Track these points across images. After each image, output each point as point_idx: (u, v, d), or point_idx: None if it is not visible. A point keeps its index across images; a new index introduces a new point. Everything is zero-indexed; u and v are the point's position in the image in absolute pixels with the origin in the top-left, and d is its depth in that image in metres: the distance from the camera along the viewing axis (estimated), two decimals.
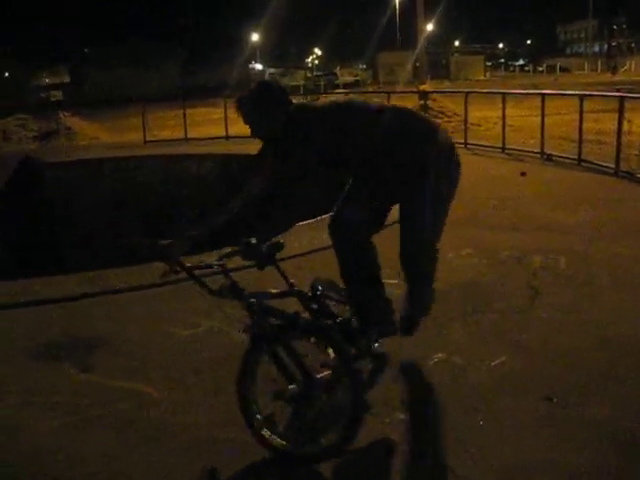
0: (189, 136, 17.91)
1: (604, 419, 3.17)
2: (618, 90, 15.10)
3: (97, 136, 20.82)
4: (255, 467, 2.91)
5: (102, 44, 61.38)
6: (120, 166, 15.43)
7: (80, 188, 14.95)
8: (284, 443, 2.93)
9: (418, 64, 33.30)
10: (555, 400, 3.34)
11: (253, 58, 75.70)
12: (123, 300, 5.11)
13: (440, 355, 3.88)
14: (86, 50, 64.56)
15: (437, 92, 20.11)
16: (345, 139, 3.40)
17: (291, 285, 3.24)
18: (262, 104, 3.32)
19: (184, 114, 18.05)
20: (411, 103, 20.22)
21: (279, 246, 3.10)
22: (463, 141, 13.00)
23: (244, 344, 4.11)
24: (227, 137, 17.35)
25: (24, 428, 3.32)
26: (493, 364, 3.77)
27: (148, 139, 18.08)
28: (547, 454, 2.92)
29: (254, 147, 14.14)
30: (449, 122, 15.43)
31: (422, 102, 17.43)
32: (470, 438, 3.06)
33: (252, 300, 3.02)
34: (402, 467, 2.90)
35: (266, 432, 2.93)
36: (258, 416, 2.95)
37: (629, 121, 9.95)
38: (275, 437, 2.93)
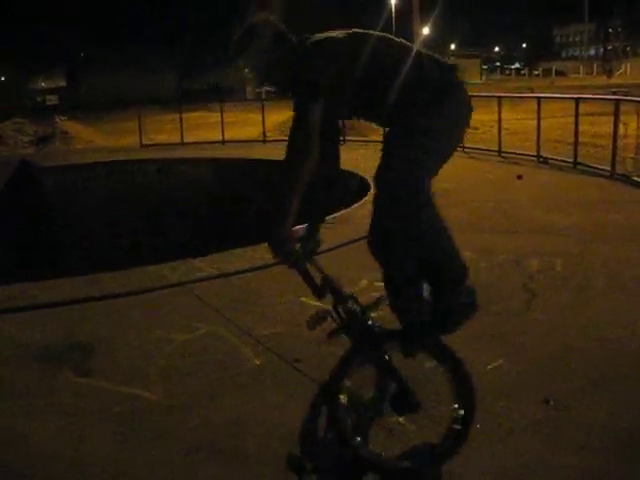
0: (185, 140, 17.93)
1: (602, 420, 3.18)
2: (614, 93, 15.17)
3: (93, 140, 20.87)
4: (255, 470, 2.92)
5: (100, 46, 61.36)
6: (117, 170, 15.43)
7: (77, 192, 14.95)
8: (377, 453, 2.78)
9: None
10: (552, 402, 3.36)
11: None
12: (121, 304, 5.11)
13: None
14: (82, 54, 64.53)
15: None
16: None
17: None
18: (258, 43, 2.82)
19: (180, 118, 18.06)
20: None
21: (315, 245, 2.97)
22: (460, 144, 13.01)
23: (241, 348, 4.16)
24: (223, 141, 17.38)
25: (24, 431, 3.32)
26: (490, 367, 3.78)
27: (144, 143, 18.09)
28: (545, 456, 2.93)
29: (250, 152, 14.16)
30: None
31: None
32: (468, 440, 3.07)
33: (351, 303, 2.73)
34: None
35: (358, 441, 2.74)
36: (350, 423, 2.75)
37: (625, 124, 10.01)
38: (366, 447, 2.76)
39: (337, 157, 3.05)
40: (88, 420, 3.39)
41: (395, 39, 2.98)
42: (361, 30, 2.96)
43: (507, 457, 2.93)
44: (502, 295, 4.95)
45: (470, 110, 3.01)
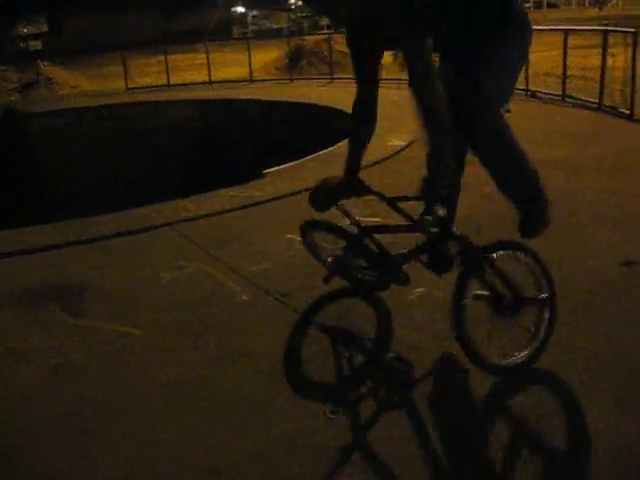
0: (172, 82, 17.71)
1: (581, 344, 3.27)
2: (605, 25, 14.96)
3: (78, 85, 20.62)
4: (243, 403, 2.99)
5: None
6: (103, 114, 15.27)
7: (64, 137, 14.83)
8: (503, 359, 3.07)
9: None
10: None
11: (235, 1, 74.20)
12: (109, 246, 5.15)
13: (421, 289, 3.96)
14: None
15: None
16: None
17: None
18: None
19: (166, 60, 17.80)
20: None
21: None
22: None
23: (228, 284, 4.21)
24: (210, 82, 17.19)
25: (13, 372, 3.39)
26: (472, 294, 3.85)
27: (130, 86, 17.87)
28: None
29: (237, 92, 13.93)
30: None
31: None
32: (449, 364, 3.16)
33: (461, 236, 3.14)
34: (379, 398, 3.00)
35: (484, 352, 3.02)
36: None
37: (613, 56, 9.93)
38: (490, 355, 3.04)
39: None
40: (75, 360, 3.44)
41: None
42: None
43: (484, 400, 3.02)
44: (488, 226, 4.99)
45: None
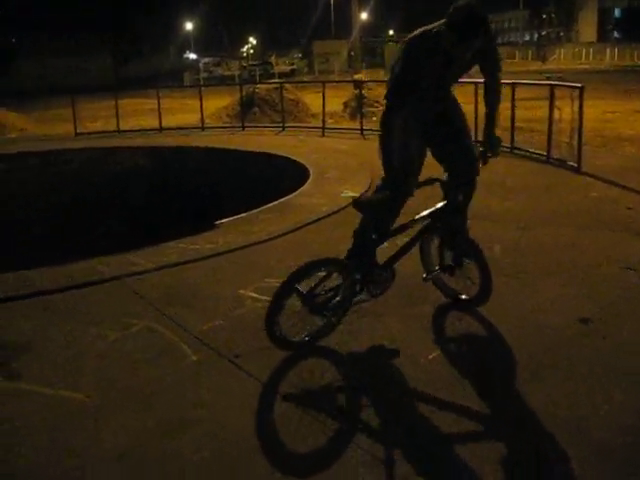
0: (122, 128, 17.50)
1: (540, 407, 3.20)
2: (548, 78, 15.40)
3: (26, 128, 20.20)
4: (191, 475, 2.83)
5: (33, 30, 59.17)
6: (50, 159, 14.95)
7: (7, 183, 14.44)
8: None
9: (353, 53, 33.33)
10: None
11: (187, 47, 74.77)
12: (52, 301, 4.91)
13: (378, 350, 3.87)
14: (14, 40, 62.34)
15: (372, 81, 20.14)
16: None
17: None
18: None
19: (116, 105, 17.61)
20: (347, 92, 20.27)
21: None
22: None
23: (178, 344, 4.05)
24: (161, 129, 17.05)
25: None
26: (430, 357, 3.77)
27: (79, 131, 17.60)
28: (483, 445, 2.93)
29: (188, 139, 13.80)
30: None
31: (357, 91, 17.41)
32: (408, 434, 3.05)
33: None
34: (333, 458, 2.87)
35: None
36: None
37: (559, 109, 10.15)
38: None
39: None
40: (13, 427, 3.23)
41: None
42: None
43: (447, 448, 2.92)
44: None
45: None
